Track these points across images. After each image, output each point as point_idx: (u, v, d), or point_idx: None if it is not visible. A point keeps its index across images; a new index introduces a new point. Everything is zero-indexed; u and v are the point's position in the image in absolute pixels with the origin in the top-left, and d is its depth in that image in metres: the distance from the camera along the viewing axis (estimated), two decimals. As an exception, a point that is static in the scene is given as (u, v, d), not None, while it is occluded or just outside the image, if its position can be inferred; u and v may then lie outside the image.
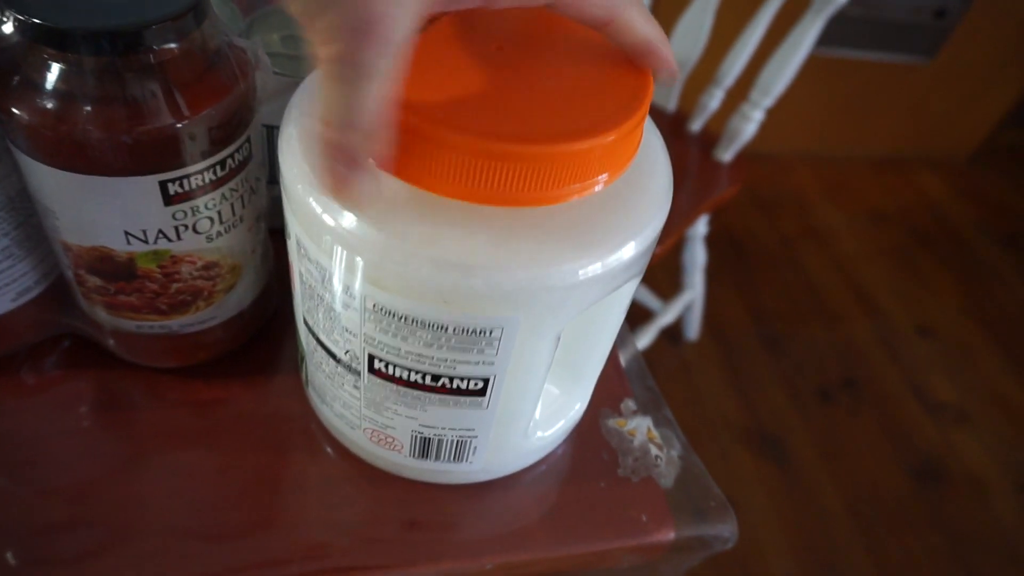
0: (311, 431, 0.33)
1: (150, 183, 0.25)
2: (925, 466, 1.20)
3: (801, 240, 1.57)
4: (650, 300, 1.18)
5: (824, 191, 1.71)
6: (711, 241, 1.21)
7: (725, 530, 0.33)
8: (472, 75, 0.19)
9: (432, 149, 0.19)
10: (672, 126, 1.09)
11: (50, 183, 0.24)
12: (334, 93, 0.18)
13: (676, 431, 0.36)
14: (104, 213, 0.25)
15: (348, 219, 0.21)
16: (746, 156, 1.05)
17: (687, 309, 1.26)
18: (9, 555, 0.27)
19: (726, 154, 1.02)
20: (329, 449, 0.32)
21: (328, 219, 0.21)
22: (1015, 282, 1.57)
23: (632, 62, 0.22)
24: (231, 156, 0.26)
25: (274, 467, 0.31)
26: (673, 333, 1.31)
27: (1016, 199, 1.80)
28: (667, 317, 1.15)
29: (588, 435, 0.35)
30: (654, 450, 0.35)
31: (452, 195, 0.20)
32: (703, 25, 0.98)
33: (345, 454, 0.32)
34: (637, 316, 1.18)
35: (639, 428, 0.35)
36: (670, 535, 0.32)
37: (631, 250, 0.22)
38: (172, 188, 0.25)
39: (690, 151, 1.05)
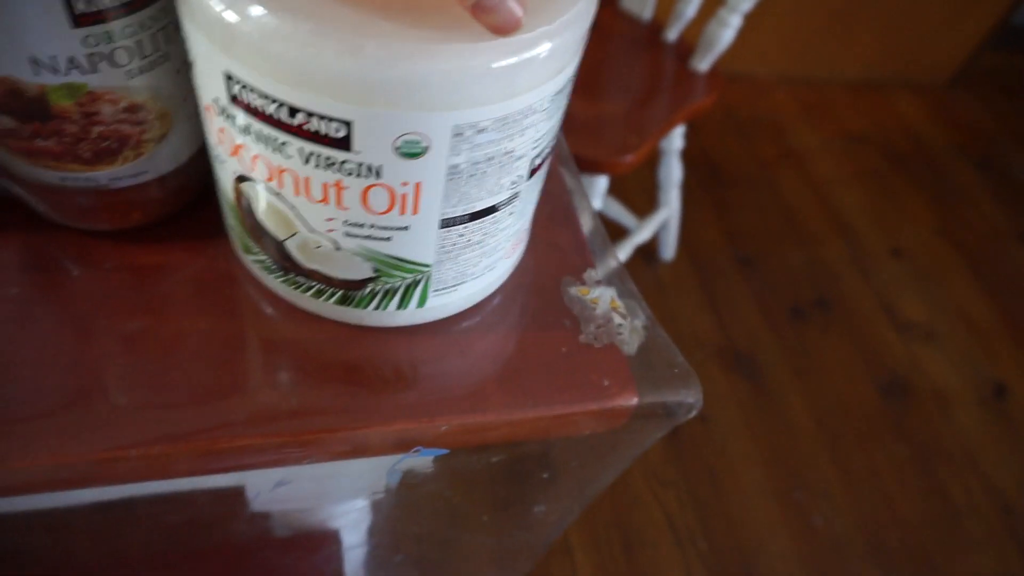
0: (251, 295, 0.31)
1: (51, -6, 0.22)
2: (892, 382, 1.22)
3: (777, 162, 1.55)
4: (625, 217, 1.17)
5: (801, 113, 1.69)
6: (688, 162, 1.19)
7: (689, 395, 0.32)
8: None
9: None
10: (647, 35, 1.05)
11: (-63, -7, 0.22)
12: None
13: (640, 303, 0.35)
14: (3, 33, 0.23)
15: None
16: (723, 75, 1.02)
17: (663, 228, 1.25)
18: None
19: (702, 63, 0.99)
20: (272, 311, 0.31)
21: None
22: (987, 204, 1.58)
23: None
24: (145, -29, 0.24)
25: (217, 331, 0.30)
26: (648, 253, 1.30)
27: (992, 123, 1.79)
28: (643, 235, 1.14)
29: (550, 303, 0.33)
30: (617, 318, 0.34)
31: None
32: (681, -76, 0.94)
33: (290, 313, 0.30)
34: (612, 233, 1.16)
35: (602, 297, 0.34)
36: (632, 400, 0.31)
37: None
38: (79, 6, 0.23)
39: (666, 61, 1.02)
